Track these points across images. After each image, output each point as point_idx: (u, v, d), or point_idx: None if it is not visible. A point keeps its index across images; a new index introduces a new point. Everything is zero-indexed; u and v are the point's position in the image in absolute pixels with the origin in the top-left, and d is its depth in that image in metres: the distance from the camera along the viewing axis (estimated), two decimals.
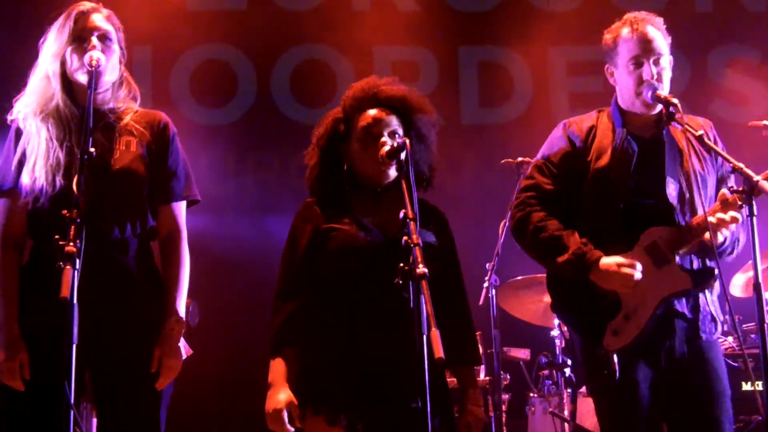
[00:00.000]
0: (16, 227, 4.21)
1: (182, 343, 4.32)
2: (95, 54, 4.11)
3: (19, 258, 4.22)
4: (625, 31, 4.67)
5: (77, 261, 3.51)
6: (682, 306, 4.51)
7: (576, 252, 4.50)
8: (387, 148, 3.96)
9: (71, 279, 3.46)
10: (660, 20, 4.73)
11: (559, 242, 4.56)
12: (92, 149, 3.83)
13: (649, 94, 4.52)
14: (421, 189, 4.21)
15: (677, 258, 4.50)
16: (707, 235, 4.37)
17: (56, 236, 3.57)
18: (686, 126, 4.43)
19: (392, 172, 4.07)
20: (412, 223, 3.57)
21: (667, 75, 4.64)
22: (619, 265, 4.43)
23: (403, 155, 3.83)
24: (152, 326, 4.23)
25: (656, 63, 4.60)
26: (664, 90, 4.57)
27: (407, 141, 3.85)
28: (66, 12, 4.32)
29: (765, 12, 9.60)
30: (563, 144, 4.76)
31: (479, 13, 9.58)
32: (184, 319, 4.31)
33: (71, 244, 3.52)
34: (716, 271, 4.48)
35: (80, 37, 4.24)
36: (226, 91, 9.05)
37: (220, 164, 8.82)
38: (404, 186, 3.74)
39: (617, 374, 4.42)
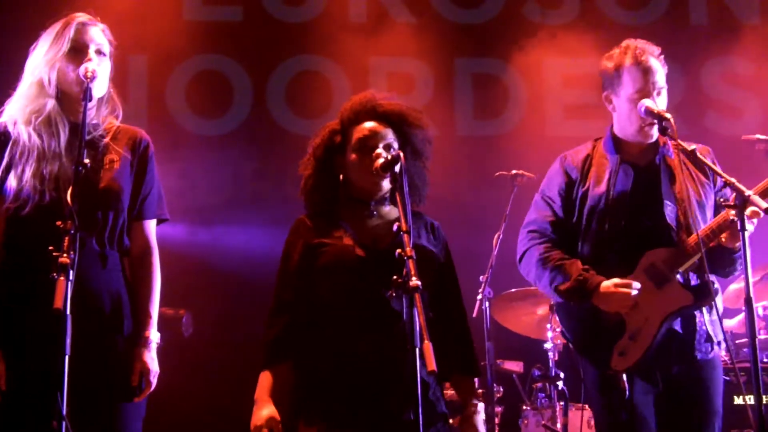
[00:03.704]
0: None
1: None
2: (91, 66, 4.10)
3: None
4: (629, 62, 4.70)
5: (71, 272, 3.50)
6: (677, 325, 4.57)
7: (578, 278, 4.64)
8: (382, 160, 3.98)
9: (65, 290, 3.45)
10: (658, 50, 4.78)
11: (561, 271, 4.71)
12: (87, 160, 3.82)
13: (643, 108, 4.58)
14: (415, 203, 4.21)
15: (677, 276, 4.57)
16: (723, 238, 4.47)
17: (50, 247, 3.55)
18: (678, 141, 4.47)
19: (386, 185, 4.10)
20: (405, 236, 3.58)
21: (663, 107, 4.68)
22: (617, 286, 4.56)
23: (397, 168, 3.84)
24: (131, 341, 4.21)
25: (658, 94, 4.68)
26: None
27: (402, 154, 3.87)
28: (63, 21, 4.30)
29: (759, 25, 9.62)
30: (560, 177, 4.89)
31: (475, 25, 9.60)
32: (159, 334, 4.31)
33: (65, 255, 3.51)
34: (716, 285, 4.55)
35: (77, 48, 4.23)
36: (222, 102, 9.04)
37: (215, 174, 8.82)
38: (398, 199, 3.75)
39: (627, 392, 4.50)
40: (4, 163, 4.18)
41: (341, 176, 4.21)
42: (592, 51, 9.20)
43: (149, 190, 4.41)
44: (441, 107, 9.13)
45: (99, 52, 4.28)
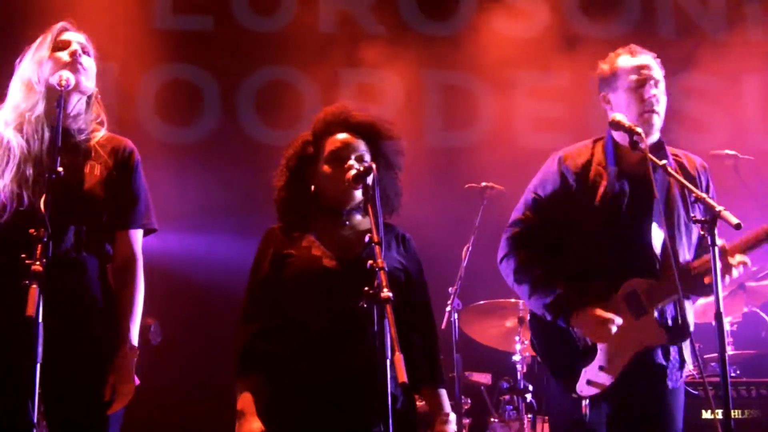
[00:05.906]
0: None
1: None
2: (65, 74, 4.10)
3: None
4: (625, 56, 4.76)
5: (43, 280, 3.48)
6: (653, 354, 4.60)
7: (558, 297, 4.60)
8: (353, 171, 3.98)
9: (37, 297, 3.44)
10: (654, 54, 4.84)
11: (542, 286, 4.66)
12: (60, 168, 3.80)
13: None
14: (387, 214, 4.23)
15: (655, 312, 4.57)
16: (706, 279, 4.44)
17: (23, 254, 3.55)
18: (649, 156, 4.46)
19: (358, 195, 4.10)
20: (377, 247, 3.59)
21: (663, 102, 4.75)
22: (598, 319, 4.53)
23: (369, 179, 3.85)
24: (107, 350, 4.18)
25: (656, 85, 4.70)
26: (660, 116, 4.71)
27: (374, 166, 3.88)
28: (48, 29, 4.33)
29: (727, 39, 9.69)
30: (556, 181, 4.80)
31: (443, 37, 9.62)
32: (137, 346, 4.28)
33: (38, 262, 3.50)
34: (691, 328, 4.57)
35: (60, 47, 4.27)
36: (191, 111, 9.00)
37: (184, 183, 8.78)
38: (370, 210, 3.76)
39: (588, 417, 4.50)
40: None
41: (313, 187, 4.21)
42: (561, 64, 9.27)
43: (133, 200, 4.38)
44: (410, 118, 9.13)
45: (83, 49, 4.31)
